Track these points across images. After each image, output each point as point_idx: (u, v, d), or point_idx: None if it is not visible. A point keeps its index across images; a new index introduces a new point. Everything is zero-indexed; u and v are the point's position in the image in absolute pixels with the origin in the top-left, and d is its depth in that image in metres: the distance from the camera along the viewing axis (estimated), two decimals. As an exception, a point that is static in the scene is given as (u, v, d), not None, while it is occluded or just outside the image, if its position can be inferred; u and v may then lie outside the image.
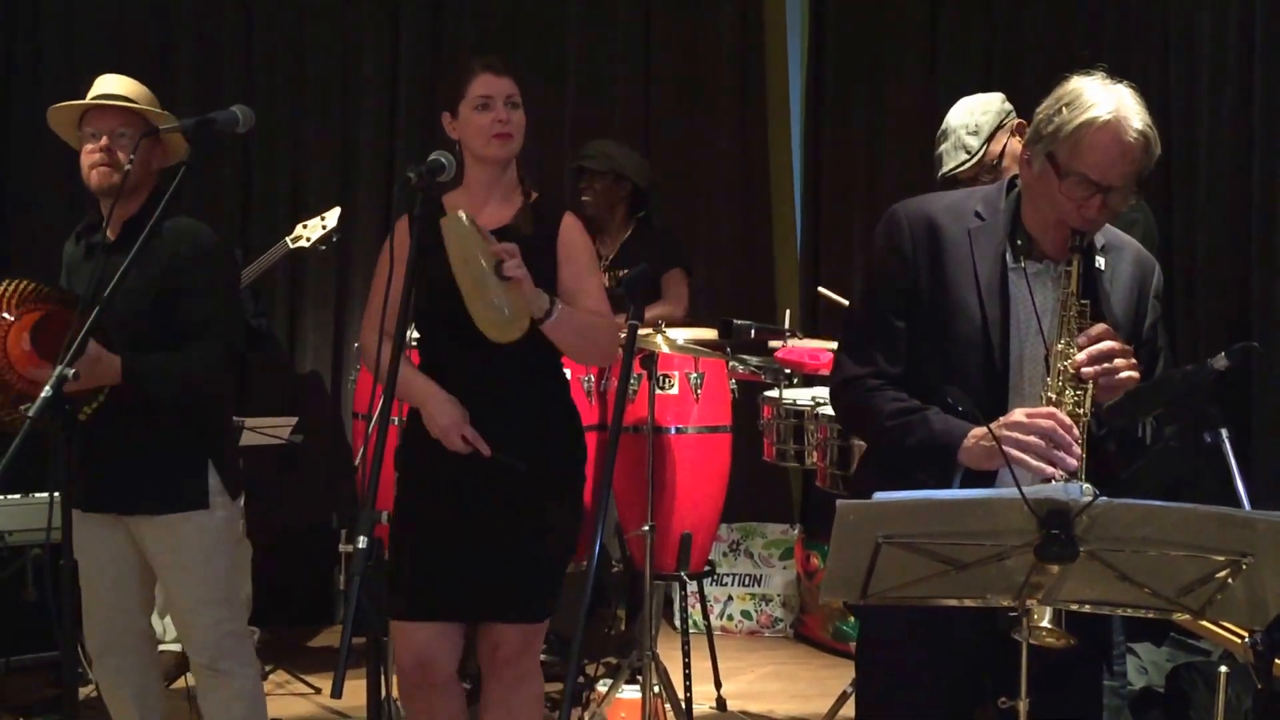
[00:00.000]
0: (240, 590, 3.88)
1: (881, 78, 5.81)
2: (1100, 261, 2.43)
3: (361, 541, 2.20)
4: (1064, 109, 2.29)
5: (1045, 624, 2.10)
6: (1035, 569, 2.01)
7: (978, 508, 1.95)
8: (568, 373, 4.11)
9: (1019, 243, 2.39)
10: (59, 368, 2.55)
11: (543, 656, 4.66)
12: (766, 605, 5.52)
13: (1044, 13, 5.30)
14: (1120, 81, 2.32)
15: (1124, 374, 2.29)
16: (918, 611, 2.16)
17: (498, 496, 2.92)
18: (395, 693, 4.07)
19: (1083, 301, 2.32)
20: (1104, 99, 2.27)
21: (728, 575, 5.51)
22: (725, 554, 5.50)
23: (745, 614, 5.52)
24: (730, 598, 5.53)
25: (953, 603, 2.10)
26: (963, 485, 2.30)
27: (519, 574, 2.94)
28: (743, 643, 5.40)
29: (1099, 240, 2.43)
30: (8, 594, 4.08)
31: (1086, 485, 2.03)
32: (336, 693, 2.14)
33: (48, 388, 2.53)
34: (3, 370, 2.94)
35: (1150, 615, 2.11)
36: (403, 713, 4.20)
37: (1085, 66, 2.37)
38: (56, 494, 2.92)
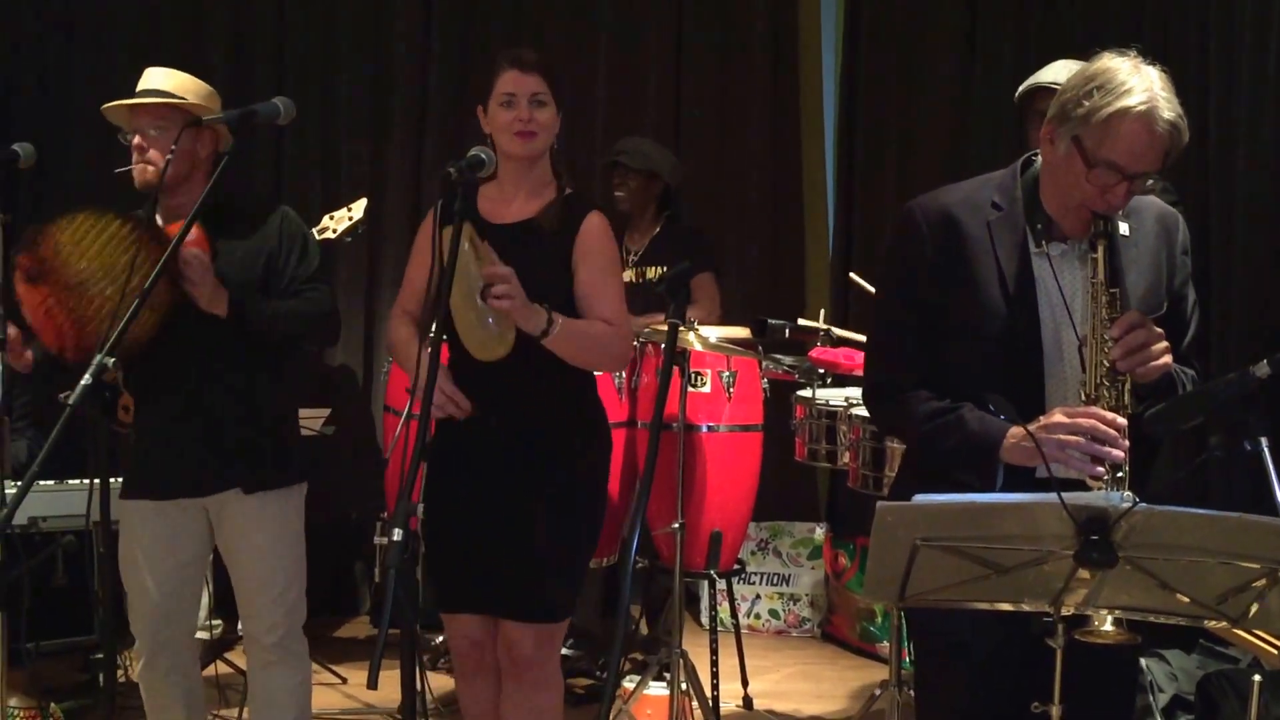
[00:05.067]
0: None
1: (916, 75, 5.79)
2: (1124, 227, 2.39)
3: (397, 534, 2.21)
4: (1094, 93, 2.24)
5: (1108, 626, 2.08)
6: (1074, 575, 2.00)
7: (1016, 512, 1.94)
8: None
9: (1039, 227, 2.37)
10: (99, 356, 2.57)
11: (566, 651, 4.72)
12: (794, 605, 5.51)
13: (1082, 10, 5.27)
14: (1152, 64, 2.27)
15: (1160, 360, 2.28)
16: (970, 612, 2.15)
17: (517, 495, 2.92)
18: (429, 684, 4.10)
19: (1111, 290, 2.30)
20: (1136, 85, 2.22)
21: (755, 574, 5.50)
22: (753, 553, 5.49)
23: (773, 613, 5.51)
24: (758, 597, 5.52)
25: (987, 606, 2.10)
26: (1005, 483, 2.29)
27: (533, 573, 2.92)
28: (770, 642, 5.39)
29: None
30: (39, 579, 4.10)
31: (1127, 493, 2.02)
32: (372, 683, 2.16)
33: (87, 376, 2.54)
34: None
35: (1185, 623, 2.11)
36: (430, 703, 4.24)
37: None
38: (115, 481, 3.04)
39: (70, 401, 2.52)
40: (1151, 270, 2.41)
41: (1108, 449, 2.21)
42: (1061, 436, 2.22)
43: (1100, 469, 2.21)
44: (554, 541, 2.93)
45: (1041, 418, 2.27)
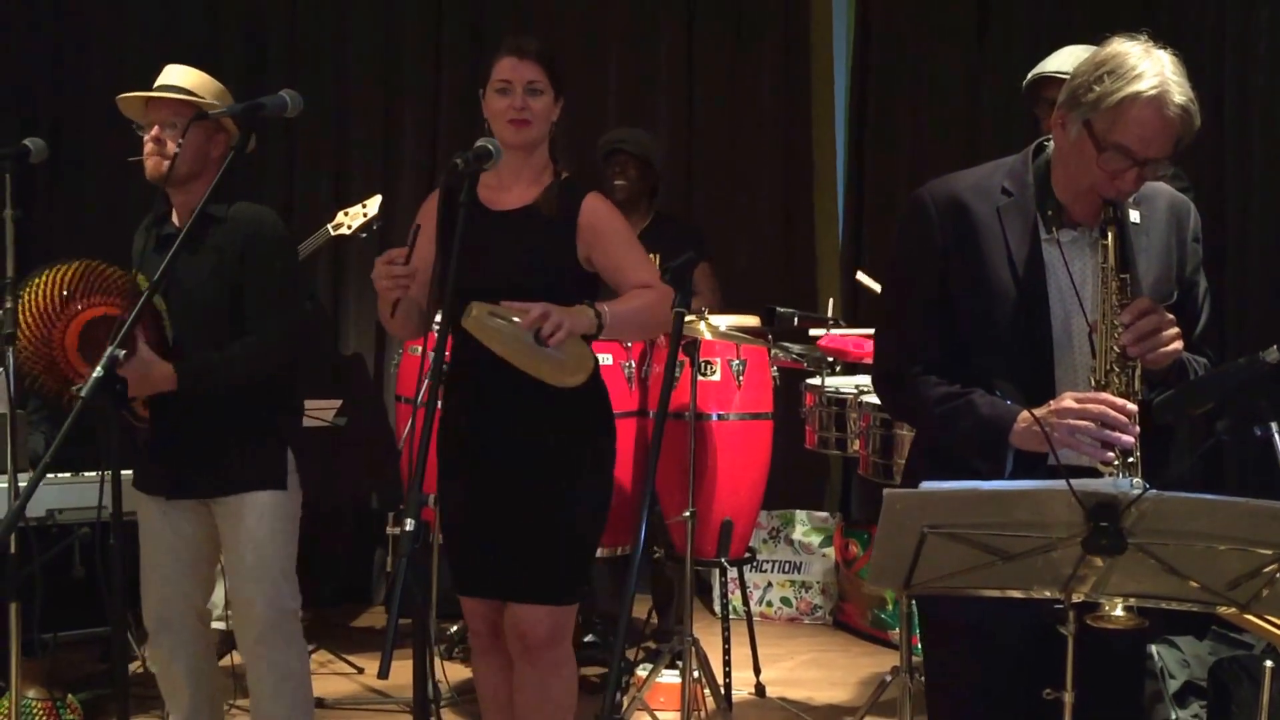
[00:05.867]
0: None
1: (927, 64, 5.78)
2: (1135, 215, 2.38)
3: (409, 524, 2.22)
4: (1105, 77, 2.22)
5: (1119, 611, 2.08)
6: (1082, 561, 1.99)
7: (1025, 499, 1.93)
8: (609, 358, 4.17)
9: (1049, 213, 2.35)
10: (110, 348, 2.58)
11: (591, 638, 4.75)
12: (806, 592, 5.52)
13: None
14: (1163, 47, 2.25)
15: (1171, 346, 2.26)
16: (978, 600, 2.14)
17: (523, 478, 2.94)
18: (441, 674, 4.12)
19: (1122, 275, 2.28)
20: (1147, 69, 2.20)
21: (767, 562, 5.51)
22: (765, 540, 5.51)
23: (785, 601, 5.52)
24: (770, 584, 5.53)
25: (996, 594, 2.10)
26: (1015, 468, 2.29)
27: (541, 556, 2.94)
28: (782, 630, 5.40)
29: None
30: (57, 571, 4.13)
31: (1137, 480, 2.02)
32: (383, 673, 2.16)
33: (99, 368, 2.56)
34: (57, 357, 2.97)
35: (1196, 609, 2.10)
36: (445, 692, 4.26)
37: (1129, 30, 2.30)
38: (125, 473, 3.05)
39: (82, 394, 2.54)
40: (1162, 258, 2.40)
41: (1118, 434, 2.20)
42: (1071, 421, 2.21)
43: (1110, 454, 2.20)
44: (561, 525, 2.94)
45: (1051, 402, 2.26)
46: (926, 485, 1.93)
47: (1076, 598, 2.09)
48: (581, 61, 5.70)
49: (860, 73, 5.90)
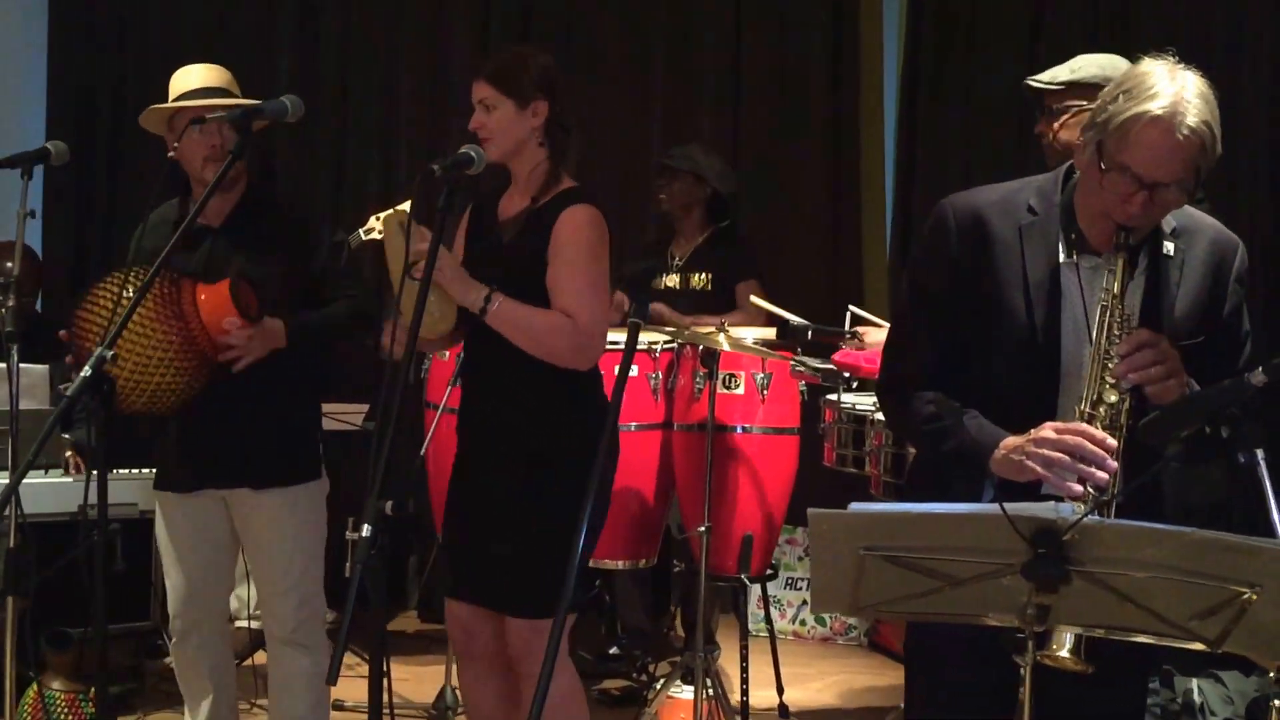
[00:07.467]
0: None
1: (979, 78, 5.67)
2: (1169, 247, 2.29)
3: (365, 530, 2.22)
4: (1120, 97, 2.16)
5: (1064, 653, 2.02)
6: (1034, 589, 1.93)
7: (959, 523, 1.87)
8: (634, 369, 4.13)
9: (1073, 236, 2.28)
10: (99, 349, 2.62)
11: (614, 650, 4.72)
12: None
13: (1152, 4, 5.12)
14: (1190, 69, 2.17)
15: (1171, 381, 2.19)
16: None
17: (511, 488, 2.93)
18: (454, 681, 4.11)
19: (1127, 314, 2.21)
20: (1163, 89, 2.12)
21: (802, 580, 5.44)
22: (801, 558, 5.43)
23: (819, 620, 5.44)
24: (804, 602, 5.45)
25: (950, 619, 2.03)
26: (997, 494, 2.21)
27: (520, 568, 2.92)
28: (815, 650, 5.32)
29: (1169, 224, 2.29)
30: (90, 566, 4.19)
31: (1077, 505, 1.94)
32: (332, 679, 2.18)
33: (87, 367, 2.59)
34: (197, 337, 3.03)
35: (1167, 643, 2.01)
36: (461, 699, 4.25)
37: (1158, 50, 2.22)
38: (148, 470, 3.04)
39: (69, 393, 2.58)
40: (1195, 294, 2.31)
41: (1091, 469, 2.12)
42: (1046, 452, 2.14)
43: (1079, 489, 2.12)
44: (538, 537, 2.91)
45: (1032, 430, 2.19)
46: (854, 506, 1.88)
47: (1038, 627, 2.01)
48: (626, 69, 5.71)
49: (910, 83, 5.81)
